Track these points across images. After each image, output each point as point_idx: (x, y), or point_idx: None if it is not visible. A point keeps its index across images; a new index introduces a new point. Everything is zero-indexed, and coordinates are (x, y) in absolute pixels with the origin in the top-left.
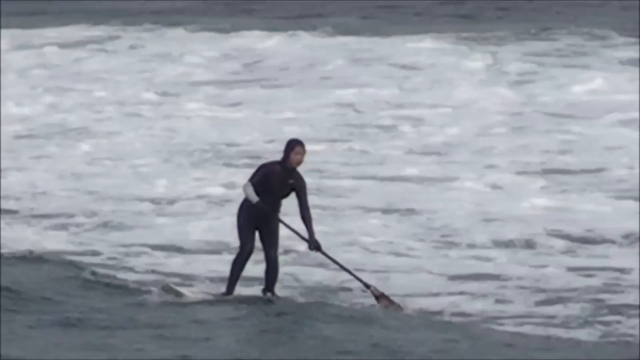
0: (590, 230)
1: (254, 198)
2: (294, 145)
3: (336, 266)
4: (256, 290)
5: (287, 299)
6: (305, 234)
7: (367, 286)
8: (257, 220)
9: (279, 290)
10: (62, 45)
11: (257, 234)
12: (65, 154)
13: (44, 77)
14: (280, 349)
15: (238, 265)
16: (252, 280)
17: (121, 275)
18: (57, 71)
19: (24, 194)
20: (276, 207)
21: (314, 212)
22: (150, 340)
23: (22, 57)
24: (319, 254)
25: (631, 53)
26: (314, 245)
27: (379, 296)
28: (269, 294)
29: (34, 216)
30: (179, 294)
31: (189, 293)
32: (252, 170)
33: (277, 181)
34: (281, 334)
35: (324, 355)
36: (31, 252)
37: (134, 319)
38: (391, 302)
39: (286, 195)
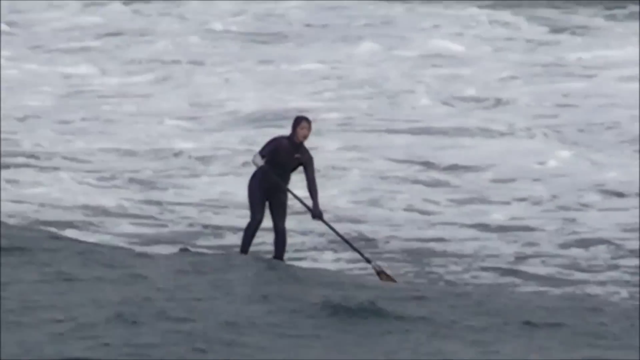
0: (611, 182)
1: (260, 162)
2: (300, 121)
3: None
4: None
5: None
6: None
7: (369, 261)
8: (267, 192)
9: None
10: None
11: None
12: (108, 115)
13: (91, 38)
14: (304, 287)
15: (250, 232)
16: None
17: (157, 230)
18: (100, 32)
19: (66, 153)
20: (285, 180)
21: (342, 166)
22: (187, 276)
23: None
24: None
25: None
26: (317, 214)
27: (380, 272)
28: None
29: (78, 172)
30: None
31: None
32: (280, 132)
33: (284, 155)
34: (298, 280)
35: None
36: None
37: (171, 264)
38: (390, 277)
39: (294, 168)
